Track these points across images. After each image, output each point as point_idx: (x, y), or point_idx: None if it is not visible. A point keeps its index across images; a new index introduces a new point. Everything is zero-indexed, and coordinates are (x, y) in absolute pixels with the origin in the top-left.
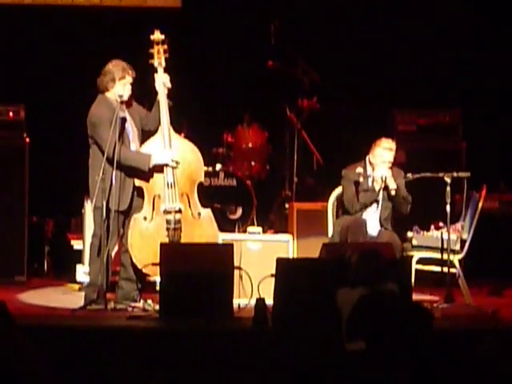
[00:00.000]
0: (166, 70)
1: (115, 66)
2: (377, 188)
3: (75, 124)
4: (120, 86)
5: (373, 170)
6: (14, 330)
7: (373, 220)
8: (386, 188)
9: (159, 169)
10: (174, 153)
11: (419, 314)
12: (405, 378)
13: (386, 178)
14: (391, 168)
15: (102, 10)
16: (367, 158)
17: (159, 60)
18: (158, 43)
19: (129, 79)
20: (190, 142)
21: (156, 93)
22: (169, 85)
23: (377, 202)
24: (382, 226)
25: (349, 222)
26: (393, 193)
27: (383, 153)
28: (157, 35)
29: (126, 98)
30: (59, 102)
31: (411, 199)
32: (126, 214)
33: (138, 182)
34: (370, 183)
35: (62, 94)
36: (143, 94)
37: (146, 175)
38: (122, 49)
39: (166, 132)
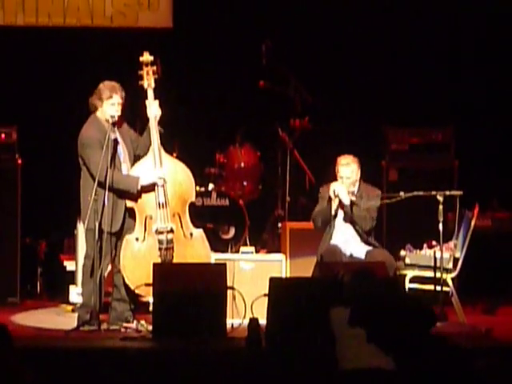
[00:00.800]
0: (156, 92)
1: (104, 87)
2: (333, 205)
3: (67, 145)
4: (107, 105)
5: None
6: (14, 352)
7: (353, 240)
8: (340, 203)
9: (150, 189)
10: (163, 171)
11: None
12: None
13: (337, 193)
14: (359, 185)
15: (93, 31)
16: None
17: (148, 81)
18: (147, 65)
19: (116, 99)
20: (180, 162)
21: (147, 119)
22: (159, 111)
23: (335, 216)
24: (367, 243)
25: (322, 250)
26: (345, 209)
27: (340, 169)
28: (146, 57)
29: (114, 117)
30: (51, 124)
31: (370, 221)
32: (118, 236)
33: (129, 203)
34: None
35: (54, 116)
36: (134, 116)
37: (136, 196)
38: (114, 70)
39: (157, 152)
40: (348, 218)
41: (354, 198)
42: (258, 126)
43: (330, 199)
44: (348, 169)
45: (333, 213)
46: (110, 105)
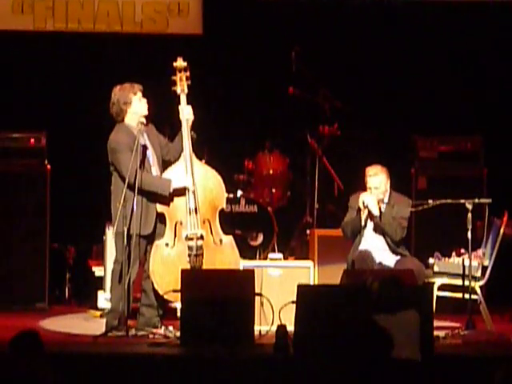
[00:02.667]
0: (187, 98)
1: (121, 90)
2: (363, 216)
3: (96, 150)
4: (136, 102)
5: None
6: (45, 359)
7: (382, 250)
8: (369, 214)
9: (181, 194)
10: (194, 178)
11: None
12: None
13: (366, 204)
14: (390, 194)
15: (123, 37)
16: None
17: (182, 87)
18: (180, 70)
19: (140, 93)
20: (212, 169)
21: (179, 124)
22: (192, 116)
23: (364, 226)
24: (395, 252)
25: (354, 256)
26: (375, 219)
27: (368, 180)
28: (179, 62)
29: (146, 111)
30: (80, 129)
31: (401, 230)
32: (149, 240)
33: (160, 208)
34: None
35: (83, 121)
36: (165, 122)
37: (167, 199)
38: (144, 76)
39: (189, 159)
40: (378, 229)
41: (383, 208)
42: (287, 133)
43: (359, 210)
44: (376, 179)
45: (362, 223)
46: (138, 100)
